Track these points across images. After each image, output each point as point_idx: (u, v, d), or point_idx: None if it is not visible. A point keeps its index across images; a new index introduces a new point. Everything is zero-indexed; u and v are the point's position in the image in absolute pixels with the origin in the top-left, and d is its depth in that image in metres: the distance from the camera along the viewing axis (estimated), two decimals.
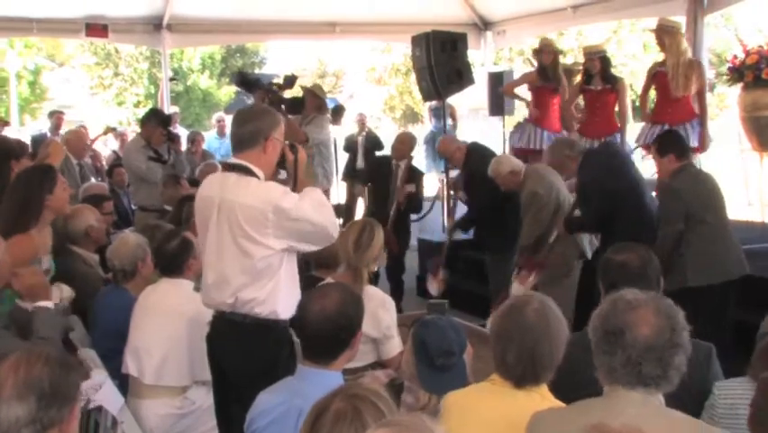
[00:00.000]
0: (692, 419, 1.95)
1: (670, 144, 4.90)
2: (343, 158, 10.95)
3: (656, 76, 6.82)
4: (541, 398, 2.25)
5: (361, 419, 1.66)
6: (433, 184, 10.41)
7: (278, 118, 3.19)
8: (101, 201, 5.46)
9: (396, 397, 2.86)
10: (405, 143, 7.25)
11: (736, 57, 7.36)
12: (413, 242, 8.62)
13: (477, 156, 6.51)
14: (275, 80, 6.73)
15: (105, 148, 11.58)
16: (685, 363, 1.93)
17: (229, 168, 3.14)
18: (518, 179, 5.90)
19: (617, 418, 1.83)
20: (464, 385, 2.49)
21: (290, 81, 6.67)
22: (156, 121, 6.74)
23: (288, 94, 6.84)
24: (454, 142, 7.02)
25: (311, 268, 4.23)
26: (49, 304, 3.24)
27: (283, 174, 3.33)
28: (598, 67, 7.22)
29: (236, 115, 3.23)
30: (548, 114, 7.72)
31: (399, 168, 7.11)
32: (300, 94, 7.47)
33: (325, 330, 2.45)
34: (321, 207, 3.05)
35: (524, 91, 8.41)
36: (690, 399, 2.03)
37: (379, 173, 7.36)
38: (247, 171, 3.06)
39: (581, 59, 7.97)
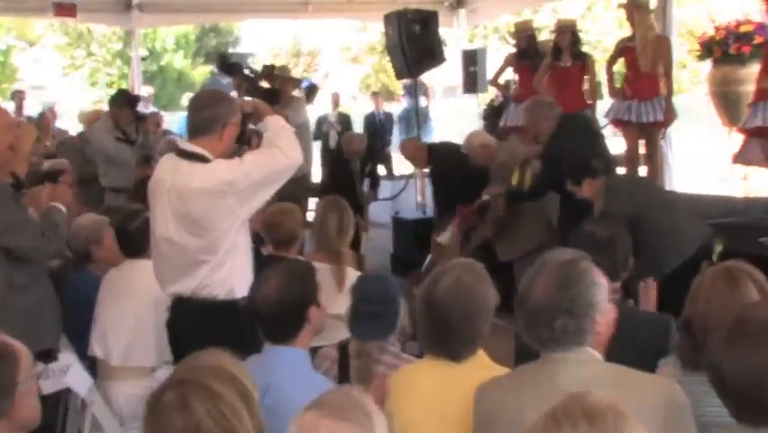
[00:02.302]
0: (626, 368, 1.97)
1: (579, 171, 4.76)
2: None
3: (625, 51, 6.85)
4: (480, 367, 2.25)
5: (188, 407, 1.61)
6: (407, 162, 10.39)
7: (235, 105, 3.16)
8: (57, 176, 5.34)
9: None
10: (353, 144, 7.43)
11: (705, 33, 7.44)
12: (386, 220, 8.67)
13: (440, 153, 6.58)
14: (252, 65, 6.78)
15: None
16: (573, 325, 1.89)
17: (182, 155, 3.09)
18: (490, 152, 6.06)
19: (555, 376, 1.89)
20: (390, 332, 2.69)
21: (268, 71, 6.75)
22: (123, 102, 6.68)
23: None
24: (413, 143, 7.12)
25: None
26: None
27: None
28: (570, 39, 7.22)
29: (193, 101, 3.19)
30: (531, 91, 7.72)
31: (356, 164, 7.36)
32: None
33: (276, 311, 2.46)
34: (262, 156, 3.05)
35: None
36: (648, 370, 2.06)
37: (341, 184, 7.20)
38: (199, 159, 3.02)
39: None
